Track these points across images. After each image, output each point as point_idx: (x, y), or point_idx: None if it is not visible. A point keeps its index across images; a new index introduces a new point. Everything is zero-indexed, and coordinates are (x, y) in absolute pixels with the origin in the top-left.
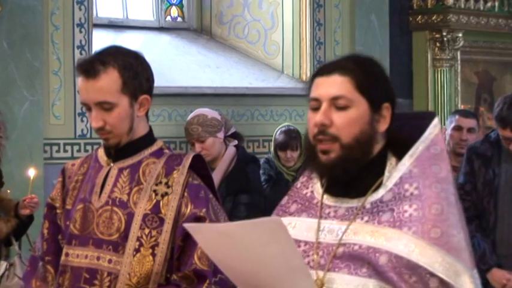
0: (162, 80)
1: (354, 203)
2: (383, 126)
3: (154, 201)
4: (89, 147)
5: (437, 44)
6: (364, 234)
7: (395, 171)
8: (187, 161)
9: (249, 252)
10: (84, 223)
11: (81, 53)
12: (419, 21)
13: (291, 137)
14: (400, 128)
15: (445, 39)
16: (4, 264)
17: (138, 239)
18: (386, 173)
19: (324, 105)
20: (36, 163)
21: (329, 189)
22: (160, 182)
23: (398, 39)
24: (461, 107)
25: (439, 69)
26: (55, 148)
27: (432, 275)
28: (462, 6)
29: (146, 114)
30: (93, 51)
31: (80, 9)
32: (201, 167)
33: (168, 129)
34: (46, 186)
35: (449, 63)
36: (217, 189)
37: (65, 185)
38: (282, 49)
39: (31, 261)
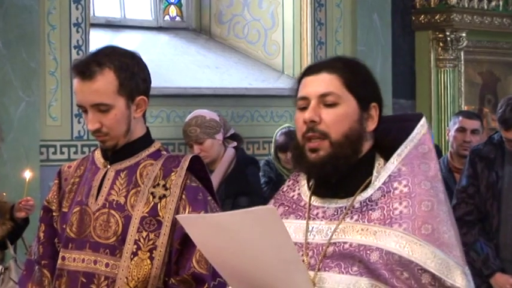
0: (160, 80)
1: (343, 203)
2: (371, 125)
3: (152, 203)
4: (85, 149)
5: (441, 44)
6: (354, 233)
7: (384, 171)
8: (185, 163)
9: (242, 244)
10: (80, 226)
11: (78, 53)
12: (422, 21)
13: (292, 139)
14: (387, 131)
15: (449, 39)
16: None
17: (136, 242)
18: (374, 173)
19: (313, 103)
20: (32, 165)
21: (317, 191)
22: (158, 184)
23: (401, 39)
24: (464, 108)
25: (442, 69)
26: (51, 150)
27: (424, 271)
28: (466, 5)
29: (143, 116)
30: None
31: (77, 9)
32: (199, 169)
33: (166, 131)
34: (42, 189)
35: (453, 64)
36: (216, 192)
37: (61, 188)
38: (282, 49)
39: (27, 265)
